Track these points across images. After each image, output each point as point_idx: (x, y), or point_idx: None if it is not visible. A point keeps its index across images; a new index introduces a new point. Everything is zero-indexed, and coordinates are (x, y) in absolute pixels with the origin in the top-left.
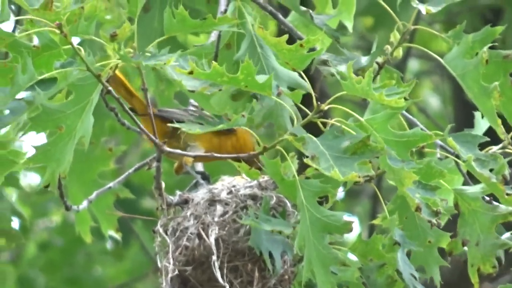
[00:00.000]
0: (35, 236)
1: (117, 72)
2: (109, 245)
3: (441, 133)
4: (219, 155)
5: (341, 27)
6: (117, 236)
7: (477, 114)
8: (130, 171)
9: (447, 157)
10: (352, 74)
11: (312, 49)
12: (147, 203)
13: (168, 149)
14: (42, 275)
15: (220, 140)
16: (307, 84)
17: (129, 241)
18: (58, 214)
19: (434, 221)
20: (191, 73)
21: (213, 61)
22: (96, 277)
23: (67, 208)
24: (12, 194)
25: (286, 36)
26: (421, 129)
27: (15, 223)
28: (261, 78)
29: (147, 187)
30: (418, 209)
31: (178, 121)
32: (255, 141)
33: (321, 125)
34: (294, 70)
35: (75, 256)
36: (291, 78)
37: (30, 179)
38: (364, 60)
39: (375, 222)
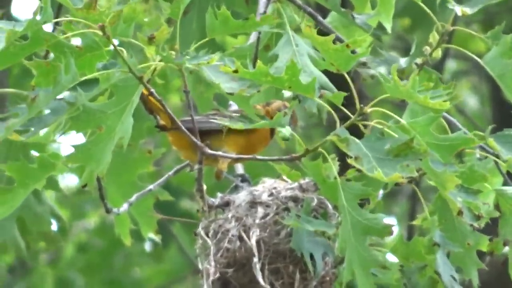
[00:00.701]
0: (73, 238)
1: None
2: (147, 246)
3: (483, 134)
4: (261, 157)
5: (380, 28)
6: (157, 238)
7: None
8: (170, 173)
9: (486, 157)
10: (396, 77)
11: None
12: (186, 204)
13: (210, 151)
14: (80, 277)
15: (245, 140)
16: (334, 87)
17: (168, 243)
18: (96, 216)
19: (476, 225)
20: (236, 71)
21: (258, 61)
22: (135, 279)
23: (108, 211)
24: (50, 196)
25: (333, 36)
26: (464, 132)
27: (54, 226)
28: (305, 79)
29: (185, 189)
30: (460, 213)
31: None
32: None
33: (362, 127)
34: (338, 71)
35: (114, 258)
36: (321, 80)
37: (68, 181)
38: (403, 61)
39: (415, 223)
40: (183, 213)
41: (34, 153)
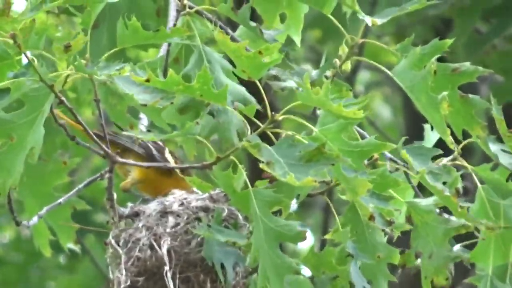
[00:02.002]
0: None
1: (57, 111)
2: (62, 259)
3: (395, 146)
4: (172, 165)
5: (290, 41)
6: (76, 248)
7: (427, 126)
8: (81, 186)
9: (397, 169)
10: (308, 85)
11: None
12: (100, 217)
13: (120, 159)
14: None
15: (156, 175)
16: (254, 100)
17: (81, 256)
18: (11, 230)
19: (388, 230)
20: (147, 81)
21: (170, 69)
22: None
23: (17, 223)
24: None
25: (246, 42)
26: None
27: None
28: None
29: (99, 201)
30: (371, 217)
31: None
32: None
33: (273, 137)
34: (250, 79)
35: (30, 272)
36: (240, 93)
37: None
38: (313, 73)
39: (328, 237)
40: (97, 225)
41: None
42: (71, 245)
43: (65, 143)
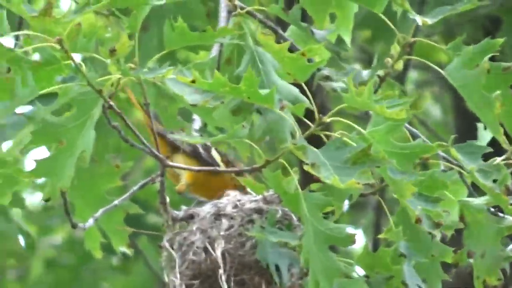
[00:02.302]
0: (40, 254)
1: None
2: (114, 260)
3: (444, 144)
4: (222, 169)
5: (340, 41)
6: (129, 252)
7: (480, 125)
8: (135, 188)
9: (451, 168)
10: (352, 86)
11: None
12: (153, 219)
13: (171, 163)
14: None
15: (205, 175)
16: (306, 100)
17: (135, 257)
18: (64, 231)
19: (435, 233)
20: (193, 82)
21: (215, 71)
22: None
23: (74, 226)
24: (17, 213)
25: (288, 43)
26: (423, 140)
27: (21, 242)
28: (264, 91)
29: (152, 203)
30: (418, 220)
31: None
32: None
33: (324, 138)
34: (295, 81)
35: (82, 273)
36: (292, 93)
37: (34, 199)
38: (365, 73)
39: (382, 236)
40: (151, 228)
41: None
42: (124, 249)
43: (117, 144)
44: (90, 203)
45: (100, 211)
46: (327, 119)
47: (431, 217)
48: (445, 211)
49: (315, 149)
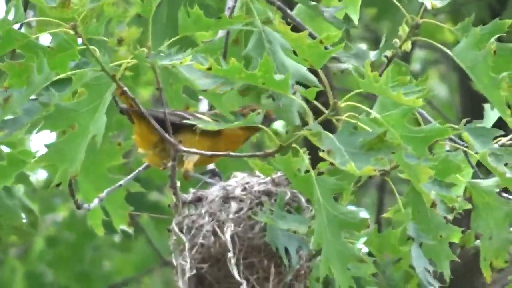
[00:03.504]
0: (42, 231)
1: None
2: (116, 238)
3: (457, 127)
4: (234, 154)
5: (347, 19)
6: (130, 230)
7: (486, 106)
8: (141, 168)
9: (456, 149)
10: (370, 72)
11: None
12: (155, 197)
13: (183, 148)
14: (50, 271)
15: (211, 142)
16: (315, 79)
17: (136, 235)
18: (66, 209)
19: (449, 217)
20: (209, 69)
21: (232, 58)
22: (104, 271)
23: (78, 207)
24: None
25: (306, 32)
26: (438, 123)
27: (24, 219)
28: (278, 76)
29: (154, 182)
30: (433, 205)
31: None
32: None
33: (335, 121)
34: (312, 67)
35: (84, 251)
36: (300, 73)
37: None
38: (372, 54)
39: (387, 215)
40: (152, 206)
41: (5, 148)
42: (124, 227)
43: (120, 122)
44: (92, 181)
45: (105, 192)
46: (341, 104)
47: (445, 202)
48: (459, 196)
49: (330, 134)
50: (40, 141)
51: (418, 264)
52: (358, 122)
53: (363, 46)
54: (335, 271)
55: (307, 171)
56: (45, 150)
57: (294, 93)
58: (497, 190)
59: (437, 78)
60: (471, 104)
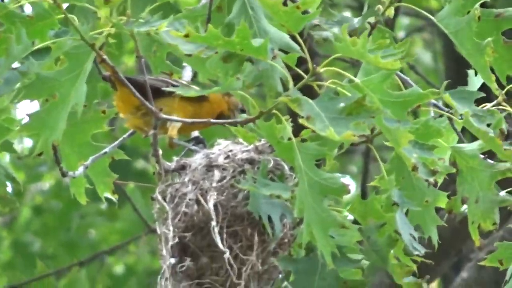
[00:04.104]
0: (28, 201)
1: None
2: (103, 206)
3: (437, 91)
4: (215, 120)
5: None
6: (114, 198)
7: (470, 72)
8: (125, 136)
9: (441, 115)
10: (346, 36)
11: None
12: (140, 164)
13: (164, 116)
14: (37, 240)
15: (195, 108)
16: (297, 47)
17: (122, 203)
18: (52, 178)
19: (431, 180)
20: (186, 36)
21: (209, 25)
22: (91, 240)
23: (64, 175)
24: (4, 158)
25: None
26: (418, 88)
27: (9, 188)
28: (257, 42)
29: (140, 149)
30: (415, 168)
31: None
32: (232, 97)
33: (316, 88)
34: (289, 32)
35: (70, 219)
36: (283, 40)
37: (23, 143)
38: (355, 21)
39: (373, 183)
40: (138, 173)
41: None
42: (108, 195)
43: (106, 90)
44: (77, 149)
45: (90, 159)
46: (320, 69)
47: (427, 165)
48: (440, 158)
49: (309, 100)
50: (25, 110)
51: (404, 230)
52: (339, 88)
53: (347, 13)
54: (317, 237)
55: (289, 139)
56: (27, 119)
57: (274, 58)
58: (481, 154)
59: (422, 46)
60: (456, 71)
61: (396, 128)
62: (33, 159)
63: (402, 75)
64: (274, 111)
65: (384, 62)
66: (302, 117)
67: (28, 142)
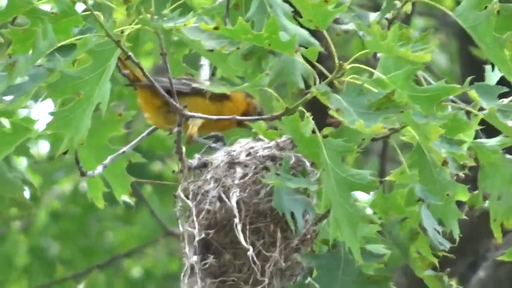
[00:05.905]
0: (45, 205)
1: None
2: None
3: (461, 87)
4: (240, 117)
5: None
6: (131, 201)
7: (487, 67)
8: (144, 134)
9: (461, 109)
10: (376, 30)
11: None
12: (157, 167)
13: (189, 113)
14: (55, 244)
15: (217, 107)
16: (317, 43)
17: (139, 207)
18: (69, 182)
19: (461, 174)
20: (216, 28)
21: (239, 17)
22: (108, 244)
23: (83, 174)
24: (21, 163)
25: None
26: (445, 82)
27: (26, 192)
28: (284, 37)
29: (156, 152)
30: (445, 163)
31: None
32: (253, 100)
33: (338, 85)
34: (317, 28)
35: (88, 224)
36: (303, 37)
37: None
38: (373, 16)
39: (389, 178)
40: (154, 176)
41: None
42: (125, 198)
43: (121, 92)
44: (94, 152)
45: (109, 158)
46: (347, 65)
47: (456, 159)
48: (469, 153)
49: (337, 95)
50: (40, 111)
51: (428, 225)
52: (364, 84)
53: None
54: (344, 233)
55: (313, 133)
56: (49, 118)
57: (296, 52)
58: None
59: (437, 47)
60: (471, 72)
61: (425, 123)
62: (50, 164)
63: (423, 73)
64: (301, 108)
65: (416, 55)
66: (331, 109)
67: (44, 147)
